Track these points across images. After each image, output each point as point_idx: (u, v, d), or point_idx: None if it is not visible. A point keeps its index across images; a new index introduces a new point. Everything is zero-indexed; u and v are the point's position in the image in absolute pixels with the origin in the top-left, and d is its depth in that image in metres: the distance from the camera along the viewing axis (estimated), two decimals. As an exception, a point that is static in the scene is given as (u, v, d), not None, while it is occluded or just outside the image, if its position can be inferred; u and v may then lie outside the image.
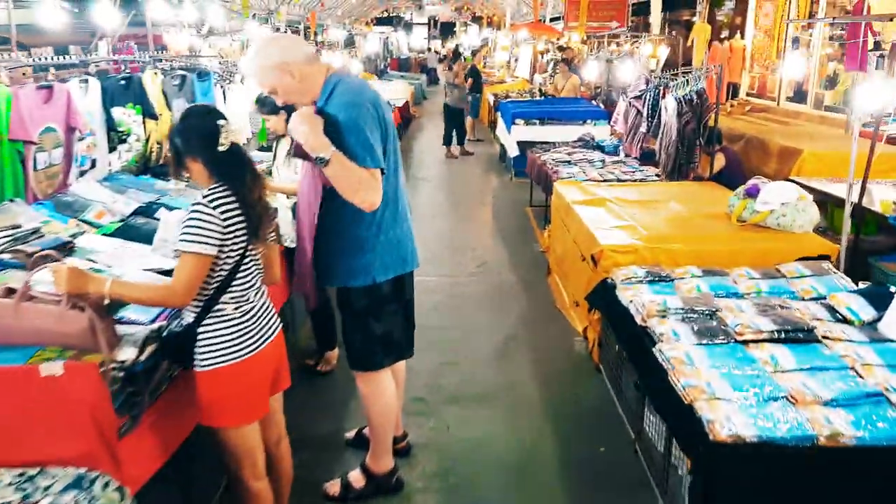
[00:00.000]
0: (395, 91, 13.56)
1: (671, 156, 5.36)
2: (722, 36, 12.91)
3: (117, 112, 3.99)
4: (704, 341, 2.69)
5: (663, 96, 5.63)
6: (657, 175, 5.70)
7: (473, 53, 18.71)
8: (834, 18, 6.73)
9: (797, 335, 2.68)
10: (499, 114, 10.60)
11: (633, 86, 6.30)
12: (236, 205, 2.01)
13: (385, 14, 30.40)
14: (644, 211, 4.31)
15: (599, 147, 7.18)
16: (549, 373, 3.91)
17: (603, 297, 3.52)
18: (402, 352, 2.85)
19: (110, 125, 3.94)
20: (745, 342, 2.68)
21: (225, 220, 1.97)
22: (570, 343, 4.21)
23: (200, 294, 2.01)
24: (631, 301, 3.12)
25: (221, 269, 2.02)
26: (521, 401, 3.62)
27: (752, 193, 3.94)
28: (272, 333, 2.19)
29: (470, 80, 12.49)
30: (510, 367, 4.00)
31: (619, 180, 5.63)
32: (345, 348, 2.74)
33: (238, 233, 2.02)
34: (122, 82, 4.06)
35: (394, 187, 2.55)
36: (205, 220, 1.93)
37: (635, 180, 5.65)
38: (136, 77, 4.18)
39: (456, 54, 14.33)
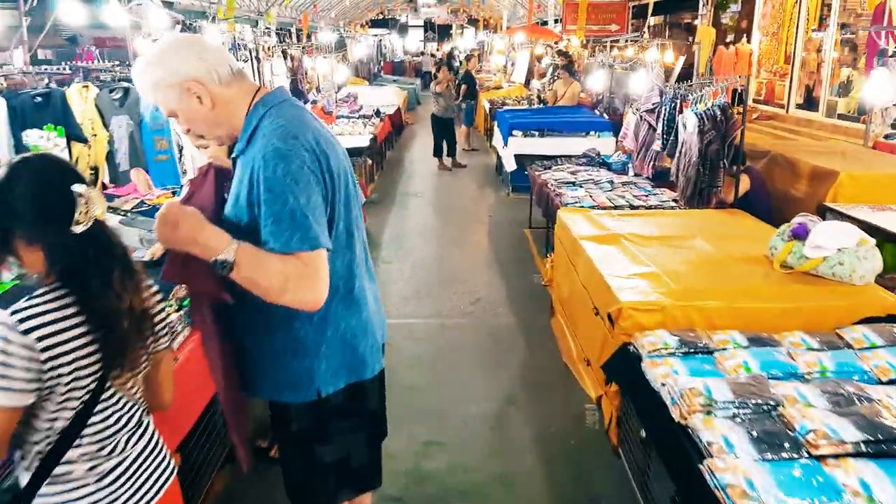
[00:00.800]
0: (385, 97, 12.80)
1: (691, 178, 4.70)
2: (728, 40, 12.31)
3: (32, 135, 3.32)
4: (768, 456, 2.02)
5: (680, 111, 4.97)
6: (674, 200, 5.04)
7: (467, 59, 18.04)
8: (844, 26, 6.09)
9: (891, 447, 2.01)
10: (495, 122, 9.94)
11: (645, 98, 5.64)
12: (79, 320, 1.30)
13: (380, 16, 29.86)
14: (666, 250, 3.64)
15: (605, 164, 6.51)
16: (557, 456, 3.20)
17: (624, 370, 2.84)
18: (365, 482, 2.04)
19: (21, 152, 3.26)
20: (822, 456, 2.01)
21: (45, 349, 1.26)
22: (581, 411, 3.51)
23: (32, 448, 1.31)
24: (663, 384, 2.44)
25: (58, 418, 1.32)
26: (522, 500, 2.91)
27: (800, 235, 3.26)
28: (158, 491, 1.49)
29: (464, 86, 11.88)
30: (509, 448, 3.28)
31: (631, 206, 4.96)
32: (282, 474, 2.01)
33: (79, 363, 1.31)
34: (39, 99, 3.38)
35: (347, 262, 1.77)
36: (6, 353, 1.22)
37: (649, 206, 4.98)
38: (58, 92, 3.49)
39: (450, 58, 13.68)
